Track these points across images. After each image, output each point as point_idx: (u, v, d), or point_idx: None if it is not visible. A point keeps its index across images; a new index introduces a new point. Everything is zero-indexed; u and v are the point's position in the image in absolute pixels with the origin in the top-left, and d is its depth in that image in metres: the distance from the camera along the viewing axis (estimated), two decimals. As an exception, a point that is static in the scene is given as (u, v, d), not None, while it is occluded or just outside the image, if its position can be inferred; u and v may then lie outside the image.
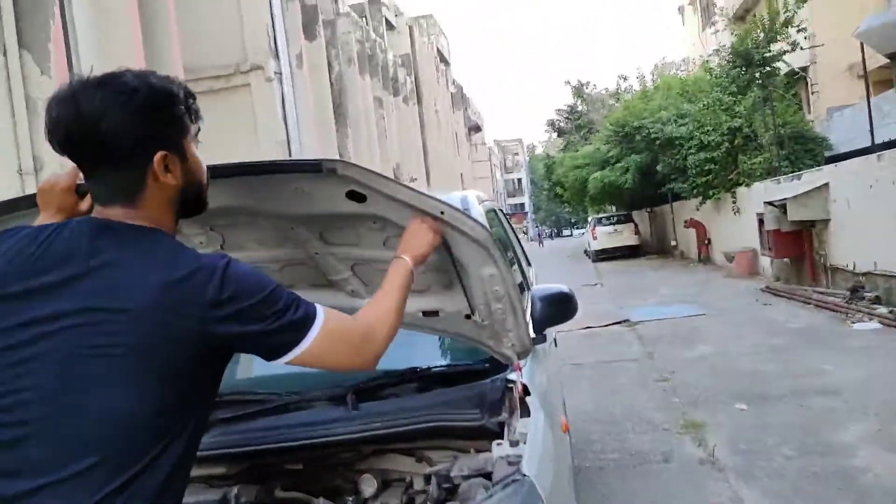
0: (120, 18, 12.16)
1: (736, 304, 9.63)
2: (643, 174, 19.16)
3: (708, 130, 14.61)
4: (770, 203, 10.31)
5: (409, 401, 1.70)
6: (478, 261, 1.48)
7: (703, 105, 15.08)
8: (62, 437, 0.94)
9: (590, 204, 25.99)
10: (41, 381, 0.96)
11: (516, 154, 75.08)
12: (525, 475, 1.38)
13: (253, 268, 1.14)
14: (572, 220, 64.27)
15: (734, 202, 14.01)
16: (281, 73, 19.14)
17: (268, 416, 1.66)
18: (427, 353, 1.95)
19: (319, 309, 1.12)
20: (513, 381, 1.74)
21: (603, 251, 22.35)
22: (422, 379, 1.79)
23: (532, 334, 2.09)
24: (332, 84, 22.77)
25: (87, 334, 0.97)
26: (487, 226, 2.34)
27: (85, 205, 1.24)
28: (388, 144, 28.82)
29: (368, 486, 1.63)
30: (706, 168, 14.58)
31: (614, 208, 26.29)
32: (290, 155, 19.16)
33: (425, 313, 1.64)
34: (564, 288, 2.27)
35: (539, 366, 2.08)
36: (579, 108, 32.33)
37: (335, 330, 1.13)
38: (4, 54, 10.35)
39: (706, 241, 16.51)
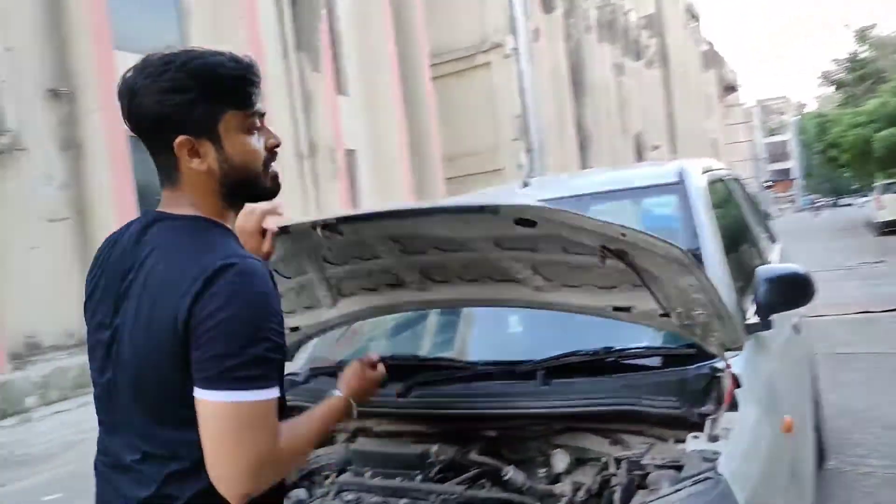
0: (375, 16, 13.42)
1: None
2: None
3: None
4: None
5: (602, 381, 1.65)
6: (672, 273, 1.38)
7: None
8: None
9: (875, 168, 22.01)
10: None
11: (781, 114, 66.61)
12: (720, 475, 1.26)
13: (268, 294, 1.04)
14: (853, 188, 55.31)
15: None
16: (518, 49, 19.51)
17: (463, 382, 1.74)
18: (624, 331, 1.86)
19: (263, 393, 0.99)
20: (721, 371, 1.58)
21: (891, 223, 18.82)
22: (617, 360, 1.72)
23: (753, 320, 1.89)
24: (569, 55, 22.55)
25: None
26: (706, 202, 2.15)
27: (267, 246, 1.31)
28: (628, 113, 27.72)
29: (560, 461, 1.63)
30: None
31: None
32: (527, 127, 19.51)
33: (616, 308, 1.57)
34: (798, 268, 1.97)
35: (762, 356, 1.85)
36: (863, 55, 27.45)
37: (250, 421, 0.98)
38: (285, 57, 12.16)
39: None
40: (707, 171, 2.52)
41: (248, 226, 1.29)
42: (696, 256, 1.96)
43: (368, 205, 13.73)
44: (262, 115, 1.13)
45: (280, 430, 1.04)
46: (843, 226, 25.33)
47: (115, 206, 8.45)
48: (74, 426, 6.29)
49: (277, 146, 1.16)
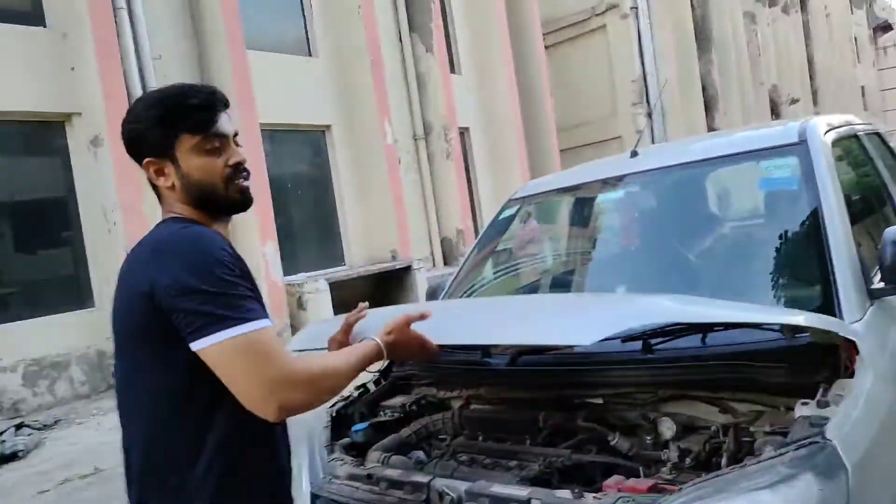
0: (485, -8, 13.32)
1: None
2: None
3: None
4: None
5: (710, 347, 1.66)
6: None
7: None
8: None
9: None
10: None
11: None
12: (828, 440, 1.26)
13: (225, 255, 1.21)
14: None
15: None
16: (637, 8, 18.62)
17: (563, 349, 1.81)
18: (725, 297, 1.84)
19: (258, 324, 1.15)
20: (837, 337, 1.55)
21: None
22: (727, 328, 1.71)
23: (878, 285, 1.81)
24: (693, 8, 21.14)
25: None
26: (829, 163, 2.04)
27: (432, 347, 1.43)
28: (761, 64, 25.57)
29: (667, 428, 1.66)
30: None
31: None
32: (646, 90, 18.65)
33: None
34: (935, 230, 1.84)
35: (887, 321, 1.77)
36: None
37: (256, 347, 1.14)
38: (400, 39, 12.49)
39: None
40: (834, 129, 2.38)
41: (336, 337, 1.51)
42: (818, 222, 1.90)
43: (484, 181, 13.85)
44: (223, 137, 1.30)
45: (287, 352, 1.18)
46: None
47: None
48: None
49: (241, 163, 1.31)
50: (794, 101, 28.18)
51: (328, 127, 11.03)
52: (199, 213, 1.31)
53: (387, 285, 10.78)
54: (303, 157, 11.17)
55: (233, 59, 9.19)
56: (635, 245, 2.39)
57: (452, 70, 13.30)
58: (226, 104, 1.32)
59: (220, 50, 9.26)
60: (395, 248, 11.03)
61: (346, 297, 9.85)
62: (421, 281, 10.52)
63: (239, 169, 1.32)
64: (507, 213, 2.81)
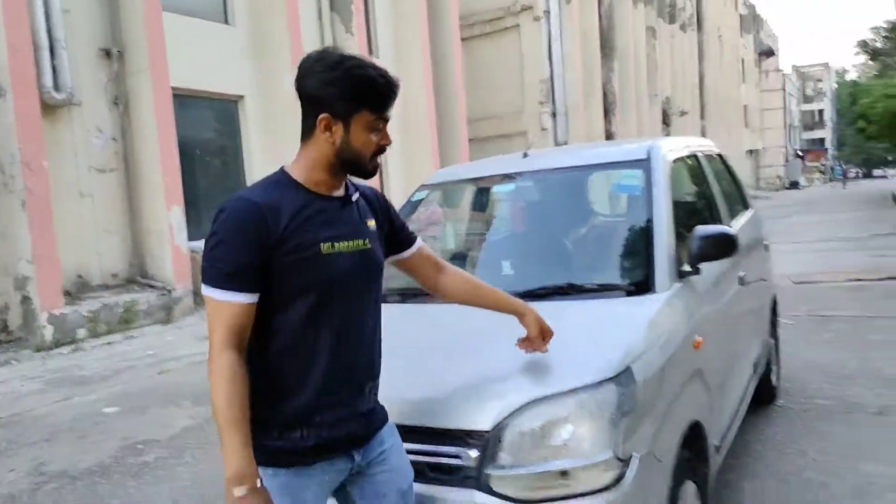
0: (405, -23, 13.60)
1: None
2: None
3: None
4: None
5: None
6: None
7: None
8: None
9: (904, 139, 21.84)
10: None
11: (819, 81, 64.73)
12: (629, 366, 1.87)
13: (234, 227, 1.41)
14: (889, 159, 54.21)
15: None
16: (549, 12, 19.55)
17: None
18: (584, 272, 2.47)
19: (220, 293, 1.40)
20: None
21: (916, 196, 18.87)
22: (574, 291, 2.33)
23: (686, 268, 2.47)
24: (600, 17, 22.44)
25: None
26: (665, 177, 2.70)
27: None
28: (658, 77, 27.51)
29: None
30: None
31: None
32: (553, 91, 19.59)
33: None
34: (726, 229, 2.55)
35: (688, 293, 2.44)
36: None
37: (210, 313, 1.41)
38: (320, 18, 12.63)
39: None
40: (675, 150, 3.06)
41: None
42: (650, 220, 2.56)
43: (394, 161, 14.22)
44: (386, 121, 1.50)
45: (233, 337, 1.40)
46: (869, 198, 25.24)
47: (159, 158, 9.14)
48: (121, 355, 7.14)
49: (388, 145, 1.52)
50: (683, 114, 30.48)
51: (241, 97, 11.04)
52: (325, 166, 1.49)
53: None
54: (214, 125, 11.10)
55: (147, 19, 9.05)
56: (522, 229, 2.98)
57: (370, 53, 13.57)
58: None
59: (135, 8, 9.09)
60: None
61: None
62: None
63: (383, 149, 1.52)
64: (418, 196, 3.32)
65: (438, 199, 3.31)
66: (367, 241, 1.56)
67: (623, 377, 1.84)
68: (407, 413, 1.87)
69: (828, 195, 31.79)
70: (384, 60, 14.11)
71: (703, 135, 32.87)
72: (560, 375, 1.84)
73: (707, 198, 3.36)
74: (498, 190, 3.05)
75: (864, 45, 30.65)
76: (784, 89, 52.34)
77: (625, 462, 1.77)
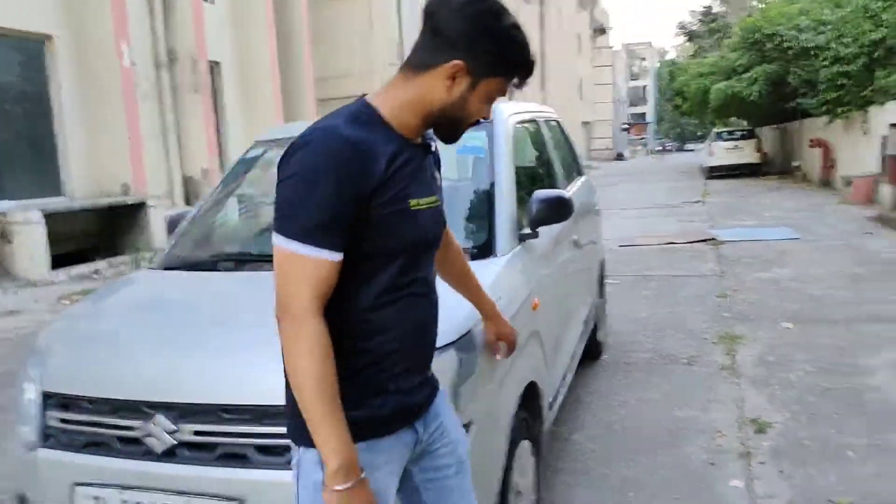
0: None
1: (837, 231, 9.22)
2: (772, 86, 17.81)
3: (847, 42, 13.29)
4: (895, 125, 9.50)
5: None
6: None
7: (848, 11, 13.63)
8: None
9: (712, 117, 24.48)
10: None
11: (644, 59, 70.45)
12: (470, 330, 1.84)
13: (325, 167, 1.14)
14: (698, 134, 60.63)
15: (864, 122, 12.89)
16: (398, -27, 19.16)
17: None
18: None
19: (310, 250, 1.14)
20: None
21: (718, 168, 21.29)
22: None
23: (526, 231, 2.50)
24: (448, -18, 22.51)
25: None
26: (507, 140, 2.70)
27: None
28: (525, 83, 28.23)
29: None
30: (839, 83, 13.40)
31: (745, 123, 24.65)
32: (403, 53, 19.44)
33: None
34: (563, 193, 2.61)
35: (527, 255, 2.48)
36: (716, 9, 29.72)
37: (288, 271, 1.15)
38: (144, -46, 11.29)
39: (830, 163, 15.38)
40: (516, 114, 3.08)
41: None
42: (493, 183, 2.55)
43: (235, 120, 13.39)
44: (503, 95, 1.32)
45: (318, 302, 1.16)
46: (683, 169, 28.12)
47: None
48: None
49: (486, 119, 1.33)
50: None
51: (49, 37, 9.65)
52: (419, 119, 1.26)
53: (117, 222, 9.98)
54: (15, 68, 9.61)
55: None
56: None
57: (204, -4, 12.46)
58: None
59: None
60: (128, 182, 10.21)
61: (65, 231, 8.92)
62: (157, 219, 9.92)
63: (479, 122, 1.33)
64: (253, 153, 3.07)
65: (275, 156, 3.07)
66: (438, 197, 1.39)
67: (464, 341, 1.80)
68: (232, 389, 1.71)
69: (649, 166, 34.98)
70: (220, 7, 13.04)
71: (544, 104, 34.60)
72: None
73: (546, 163, 3.46)
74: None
75: (682, 27, 33.83)
76: (614, 66, 56.31)
77: (465, 427, 1.74)
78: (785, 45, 15.63)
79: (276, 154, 3.10)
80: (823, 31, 14.63)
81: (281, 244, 1.16)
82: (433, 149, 1.38)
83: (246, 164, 3.04)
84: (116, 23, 10.00)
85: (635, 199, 15.95)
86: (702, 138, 61.63)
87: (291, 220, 1.15)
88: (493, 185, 2.54)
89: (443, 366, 1.73)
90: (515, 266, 2.34)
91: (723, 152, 21.51)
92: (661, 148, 56.15)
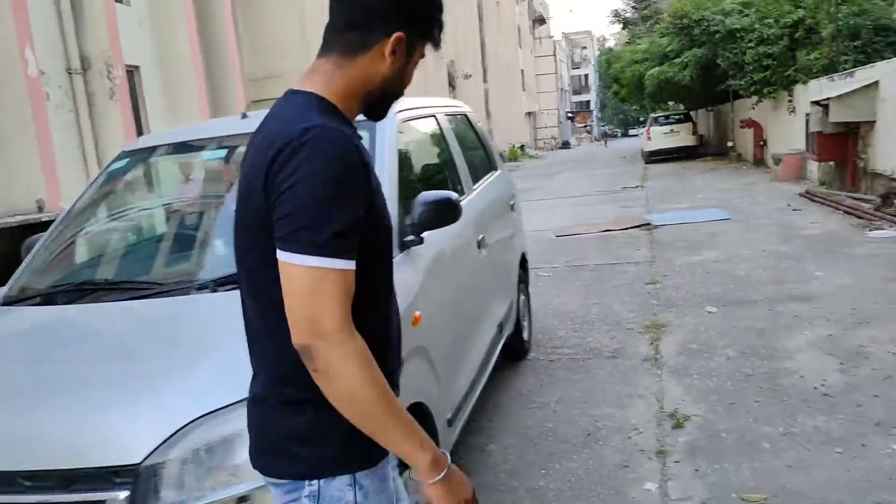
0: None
1: (766, 210, 9.38)
2: (703, 70, 18.08)
3: (770, 23, 13.59)
4: (816, 102, 9.72)
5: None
6: None
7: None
8: None
9: (648, 102, 24.84)
10: None
11: (584, 48, 71.35)
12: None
13: (338, 169, 1.01)
14: (640, 119, 61.78)
15: (790, 101, 13.20)
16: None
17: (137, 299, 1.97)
18: None
19: (340, 262, 1.00)
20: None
21: (657, 152, 21.62)
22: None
23: (410, 238, 2.32)
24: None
25: None
26: (391, 139, 2.51)
27: None
28: (442, 40, 28.12)
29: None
30: (764, 63, 13.70)
31: (681, 106, 25.09)
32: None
33: None
34: (450, 194, 2.43)
35: (408, 266, 2.29)
36: (648, -4, 30.18)
37: (315, 289, 0.99)
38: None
39: (761, 143, 15.75)
40: (405, 110, 2.88)
41: None
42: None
43: (158, 127, 12.85)
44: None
45: (346, 311, 1.00)
46: (625, 154, 28.52)
47: None
48: None
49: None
50: (468, 77, 31.64)
51: None
52: (356, 102, 1.16)
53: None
54: None
55: None
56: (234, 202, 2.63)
57: (117, -1, 11.87)
58: None
59: None
60: (42, 198, 9.64)
61: (-28, 253, 8.34)
62: (77, 235, 9.40)
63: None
64: (117, 165, 2.80)
65: (145, 168, 2.81)
66: None
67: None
68: (33, 454, 1.47)
69: (593, 153, 35.40)
70: (137, 8, 12.46)
71: (487, 98, 34.59)
72: (228, 382, 1.55)
73: (445, 161, 3.27)
74: (209, 157, 2.64)
75: (616, 14, 34.25)
76: (555, 55, 56.80)
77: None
78: (712, 28, 15.86)
79: (144, 165, 2.84)
80: (748, 13, 14.93)
81: (303, 261, 1.00)
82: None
83: (108, 176, 2.77)
84: (19, 28, 9.40)
85: (577, 186, 16.02)
86: (643, 123, 62.88)
87: (312, 232, 1.00)
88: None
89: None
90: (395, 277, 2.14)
91: (660, 137, 21.86)
92: (604, 135, 56.88)
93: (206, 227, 2.52)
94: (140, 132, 12.37)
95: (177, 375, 1.57)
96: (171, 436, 1.48)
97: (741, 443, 2.93)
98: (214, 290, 1.94)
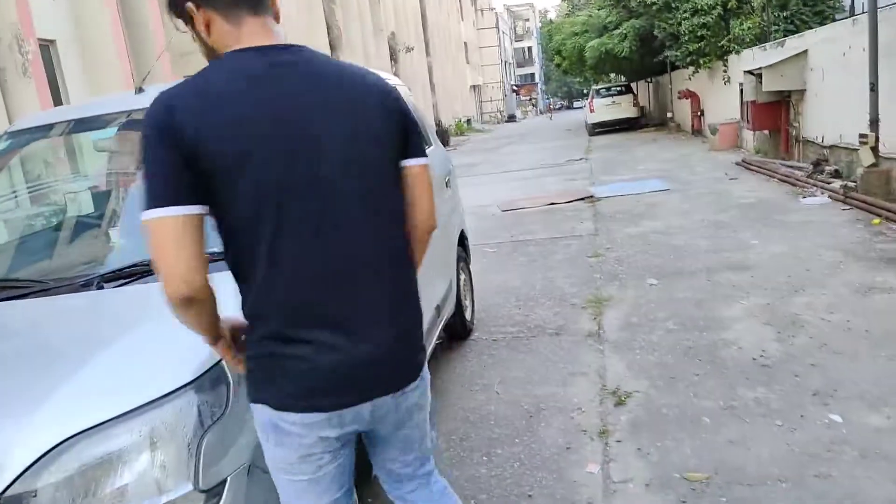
0: None
1: (704, 179, 9.52)
2: (642, 42, 18.23)
3: (704, -7, 13.71)
4: (749, 72, 9.86)
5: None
6: None
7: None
8: None
9: (589, 74, 24.97)
10: None
11: (527, 21, 71.19)
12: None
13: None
14: (584, 92, 62.34)
15: (725, 71, 13.41)
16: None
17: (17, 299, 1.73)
18: None
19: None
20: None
21: (600, 124, 21.80)
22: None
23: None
24: (315, -55, 21.29)
25: None
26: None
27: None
28: (381, 11, 27.44)
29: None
30: (698, 34, 13.85)
31: (623, 78, 25.28)
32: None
33: None
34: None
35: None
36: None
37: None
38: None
39: (699, 113, 16.02)
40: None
41: None
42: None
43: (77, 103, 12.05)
44: None
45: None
46: (570, 127, 28.67)
47: None
48: None
49: None
50: (409, 50, 31.04)
51: None
52: None
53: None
54: None
55: None
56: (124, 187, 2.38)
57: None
58: None
59: None
60: (-50, 184, 8.93)
61: None
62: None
63: None
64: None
65: (29, 150, 2.51)
66: None
67: (207, 378, 1.42)
68: None
69: (538, 126, 35.50)
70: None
71: (430, 71, 34.08)
72: (110, 393, 1.35)
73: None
74: (97, 138, 2.36)
75: (557, -13, 34.05)
76: (498, 27, 56.46)
77: (214, 490, 1.37)
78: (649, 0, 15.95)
79: (38, 146, 2.54)
80: (682, -17, 15.02)
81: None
82: None
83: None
84: (-88, 0, 8.57)
85: (522, 159, 15.98)
86: (587, 96, 63.46)
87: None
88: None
89: (173, 417, 1.35)
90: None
91: (602, 108, 22.01)
92: (548, 107, 57.19)
93: (95, 216, 2.26)
94: (59, 111, 11.61)
95: (47, 387, 1.35)
96: (40, 458, 1.28)
97: (682, 418, 2.89)
98: (100, 287, 1.72)
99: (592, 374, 3.46)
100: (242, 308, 1.24)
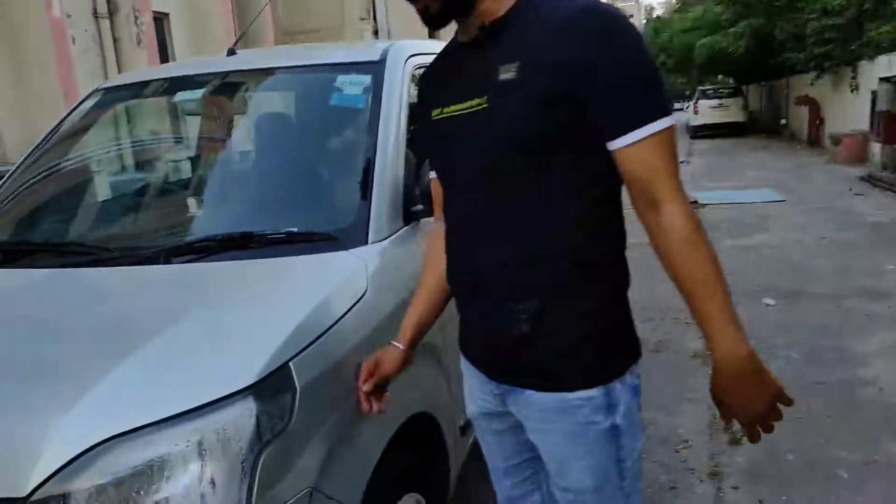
0: None
1: (824, 193, 8.66)
2: (759, 42, 17.00)
3: (835, -7, 12.55)
4: (886, 79, 8.87)
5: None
6: None
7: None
8: None
9: (697, 74, 23.69)
10: None
11: (631, 16, 68.82)
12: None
13: None
14: (686, 93, 59.87)
15: (853, 77, 12.22)
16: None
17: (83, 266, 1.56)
18: (266, 216, 1.76)
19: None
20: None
21: (703, 127, 20.58)
22: (252, 243, 1.61)
23: (419, 207, 1.86)
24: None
25: None
26: (400, 88, 2.04)
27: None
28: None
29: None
30: (826, 37, 12.69)
31: (731, 80, 23.83)
32: (373, 7, 18.48)
33: None
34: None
35: (415, 240, 1.84)
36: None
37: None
38: None
39: (818, 121, 14.76)
40: (420, 55, 2.35)
41: None
42: (375, 141, 1.88)
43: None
44: None
45: None
46: (668, 128, 27.32)
47: None
48: None
49: None
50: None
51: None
52: None
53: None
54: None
55: None
56: (211, 153, 2.20)
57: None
58: None
59: None
60: (65, 146, 9.40)
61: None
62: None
63: None
64: (89, 103, 2.37)
65: (121, 108, 2.39)
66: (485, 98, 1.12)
67: (269, 384, 1.18)
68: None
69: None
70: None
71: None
72: (160, 393, 1.13)
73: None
74: (184, 98, 2.19)
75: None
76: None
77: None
78: (773, -4, 14.82)
79: (127, 105, 2.43)
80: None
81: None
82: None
83: (79, 118, 2.34)
84: (44, -30, 9.05)
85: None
86: (689, 97, 60.77)
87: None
88: (373, 146, 1.87)
89: (228, 427, 1.13)
90: (393, 256, 1.69)
91: (708, 111, 20.78)
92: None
93: (176, 182, 2.10)
94: (167, 83, 12.05)
95: (86, 380, 1.15)
96: (75, 459, 1.08)
97: (813, 469, 2.45)
98: (167, 262, 1.52)
99: (700, 403, 3.05)
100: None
